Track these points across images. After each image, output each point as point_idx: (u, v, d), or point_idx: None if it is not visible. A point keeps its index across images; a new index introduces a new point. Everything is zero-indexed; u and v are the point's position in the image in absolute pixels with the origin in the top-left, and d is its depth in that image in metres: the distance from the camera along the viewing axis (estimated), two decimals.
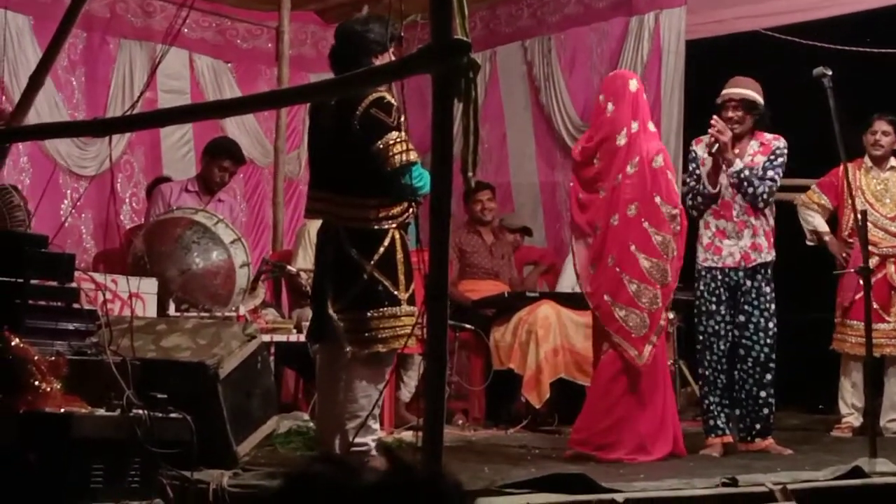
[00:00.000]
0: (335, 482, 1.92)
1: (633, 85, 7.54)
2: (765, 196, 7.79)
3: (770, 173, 7.80)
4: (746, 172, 7.75)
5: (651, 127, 7.56)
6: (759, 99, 7.88)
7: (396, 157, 6.20)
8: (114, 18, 10.67)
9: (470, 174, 5.53)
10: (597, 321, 7.51)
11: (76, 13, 5.02)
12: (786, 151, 7.86)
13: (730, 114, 7.84)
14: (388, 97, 6.28)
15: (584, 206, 7.60)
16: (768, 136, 7.93)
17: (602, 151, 7.53)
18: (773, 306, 7.81)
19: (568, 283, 10.02)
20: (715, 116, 7.80)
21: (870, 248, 7.84)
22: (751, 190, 7.75)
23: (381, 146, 6.21)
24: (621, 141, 7.43)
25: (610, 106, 7.54)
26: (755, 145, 7.88)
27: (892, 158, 9.08)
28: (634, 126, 7.41)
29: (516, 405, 9.44)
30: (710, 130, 7.78)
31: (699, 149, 7.98)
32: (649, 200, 7.33)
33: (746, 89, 7.88)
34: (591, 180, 7.59)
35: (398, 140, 6.23)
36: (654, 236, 7.32)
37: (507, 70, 11.65)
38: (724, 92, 7.94)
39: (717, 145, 7.73)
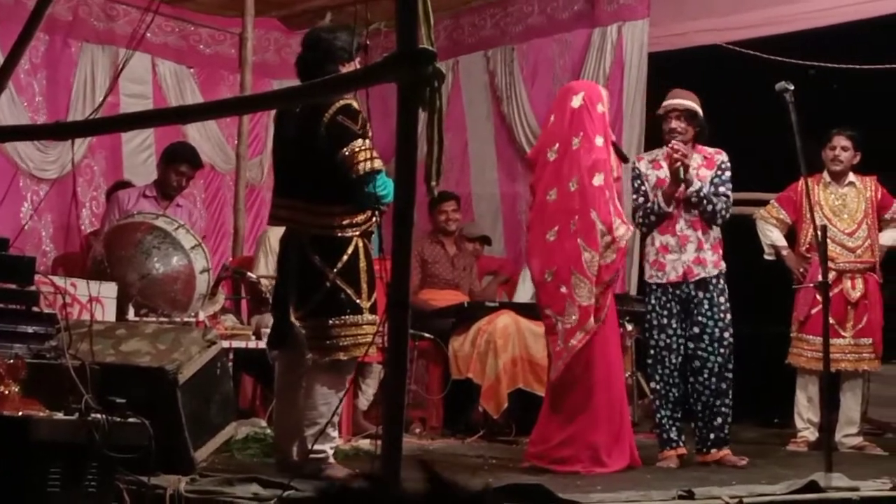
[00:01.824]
0: (377, 499, 1.92)
1: (577, 101, 7.50)
2: (723, 213, 7.83)
3: (722, 189, 7.84)
4: (705, 191, 7.78)
5: (598, 142, 7.46)
6: (700, 110, 7.92)
7: (361, 164, 6.22)
8: (76, 21, 10.63)
9: (433, 183, 5.54)
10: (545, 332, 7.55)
11: (41, 16, 5.00)
12: (729, 165, 7.90)
13: (673, 124, 7.88)
14: (355, 105, 6.31)
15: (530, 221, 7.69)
16: (709, 149, 7.96)
17: (537, 165, 7.59)
18: (728, 316, 7.82)
19: (526, 293, 10.06)
20: (675, 141, 7.82)
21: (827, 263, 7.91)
22: (710, 208, 7.78)
23: (347, 153, 6.23)
24: (551, 156, 7.46)
25: (552, 117, 7.61)
26: (698, 159, 7.91)
27: (850, 174, 9.13)
28: (575, 142, 7.41)
29: (474, 415, 9.45)
30: (673, 154, 7.77)
31: (641, 166, 8.01)
32: (586, 217, 7.32)
33: (687, 100, 7.92)
34: (531, 191, 7.66)
35: (363, 148, 6.25)
36: (584, 253, 7.30)
37: (470, 80, 11.68)
38: (665, 103, 7.99)
39: (679, 167, 7.76)
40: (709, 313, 7.80)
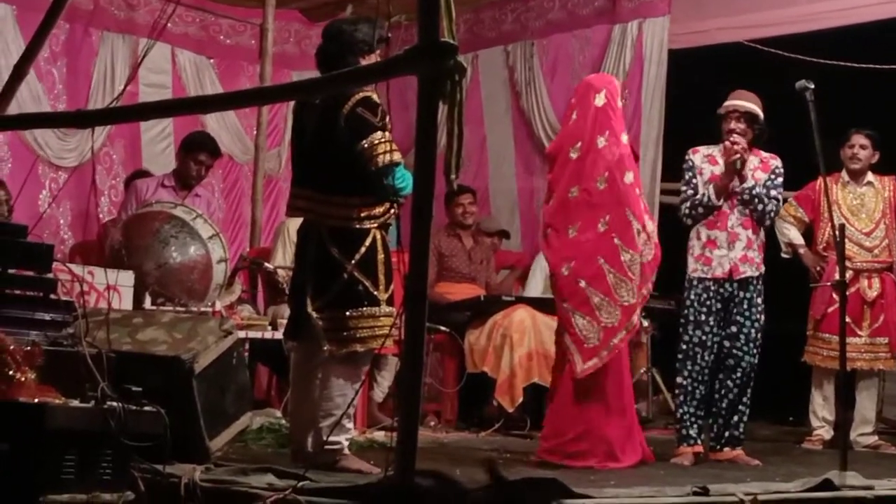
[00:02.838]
0: (444, 497, 1.93)
1: (600, 99, 7.44)
2: (772, 215, 7.88)
3: (774, 192, 7.82)
4: (758, 189, 7.76)
5: (624, 139, 7.45)
6: (761, 114, 7.89)
7: (381, 156, 6.22)
8: (97, 10, 10.64)
9: (452, 176, 5.55)
10: (558, 325, 7.54)
11: (62, 4, 5.02)
12: (783, 171, 7.88)
13: (732, 125, 7.85)
14: (374, 97, 6.31)
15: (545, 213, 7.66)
16: (764, 153, 7.92)
17: (556, 162, 7.56)
18: (762, 318, 7.83)
19: (537, 287, 10.06)
20: (736, 134, 7.80)
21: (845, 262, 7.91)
22: (760, 207, 7.77)
23: (366, 145, 6.24)
24: (573, 154, 7.44)
25: (574, 115, 7.57)
26: (755, 161, 7.88)
27: (868, 173, 9.12)
28: (601, 141, 7.37)
29: (489, 408, 9.46)
30: (733, 147, 7.75)
31: (696, 158, 7.97)
32: (621, 216, 7.30)
33: (750, 102, 7.89)
34: (548, 188, 7.65)
35: (383, 140, 6.25)
36: (623, 254, 7.27)
37: (489, 74, 11.67)
38: (727, 103, 7.93)
39: (738, 160, 7.74)
40: (747, 313, 7.79)
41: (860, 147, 9.06)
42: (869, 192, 9.11)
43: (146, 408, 5.38)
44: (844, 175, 9.12)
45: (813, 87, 7.14)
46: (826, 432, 8.95)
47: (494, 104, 11.64)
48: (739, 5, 10.38)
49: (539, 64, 11.29)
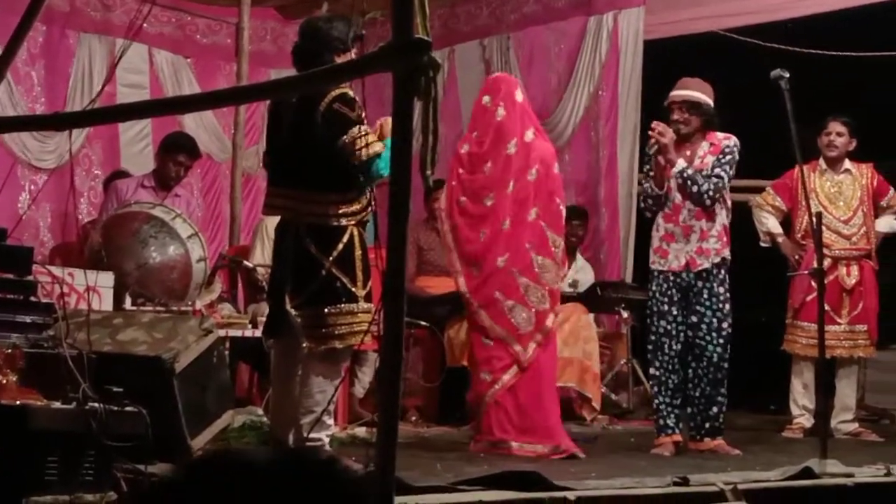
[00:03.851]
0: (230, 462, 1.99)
1: (520, 95, 7.66)
2: (710, 193, 7.80)
3: (717, 170, 7.82)
4: (689, 171, 7.78)
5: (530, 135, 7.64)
6: (705, 99, 7.89)
7: (362, 150, 6.25)
8: (74, 12, 10.64)
9: (429, 172, 5.56)
10: (474, 319, 7.62)
11: (39, 6, 5.02)
12: (736, 150, 7.87)
13: (675, 115, 7.90)
14: (351, 93, 6.34)
15: (465, 213, 7.66)
16: (720, 135, 7.95)
17: (493, 159, 7.60)
18: (726, 306, 7.85)
19: None
20: (655, 121, 7.87)
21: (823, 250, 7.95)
22: (695, 189, 7.79)
23: (347, 140, 6.27)
24: (511, 150, 7.52)
25: (500, 111, 7.61)
26: (706, 146, 7.92)
27: (846, 161, 9.15)
28: (529, 135, 7.53)
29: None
30: (650, 133, 7.86)
31: (654, 149, 8.04)
32: (550, 203, 7.51)
33: (691, 90, 7.91)
34: (479, 188, 7.66)
35: (362, 134, 6.28)
36: (550, 237, 7.47)
37: (466, 68, 11.69)
38: (670, 94, 7.99)
39: (656, 146, 7.81)
40: (707, 303, 7.82)
41: (836, 134, 9.09)
42: (846, 179, 9.14)
43: (127, 408, 5.39)
44: (822, 163, 9.15)
45: (788, 75, 7.18)
46: (806, 420, 8.99)
47: (472, 98, 11.56)
48: None
49: (515, 57, 11.31)
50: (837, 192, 9.10)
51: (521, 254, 7.45)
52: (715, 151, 7.89)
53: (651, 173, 7.94)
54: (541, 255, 7.44)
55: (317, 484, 1.99)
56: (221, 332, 7.36)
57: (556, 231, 7.53)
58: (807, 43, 9.95)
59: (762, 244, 9.28)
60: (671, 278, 7.87)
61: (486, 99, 7.70)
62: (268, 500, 1.95)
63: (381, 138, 6.35)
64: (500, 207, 7.54)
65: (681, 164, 7.79)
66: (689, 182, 7.79)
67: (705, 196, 7.81)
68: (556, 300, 7.58)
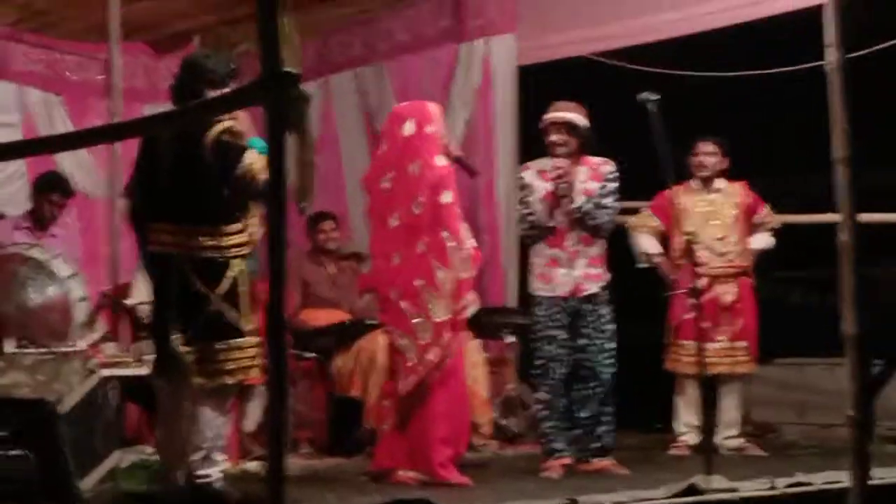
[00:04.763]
0: None
1: (408, 128, 7.53)
2: (608, 226, 7.97)
3: (607, 201, 7.93)
4: (587, 206, 7.87)
5: (440, 161, 7.52)
6: (583, 121, 8.00)
7: (262, 174, 6.19)
8: None
9: (304, 204, 5.58)
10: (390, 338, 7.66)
11: None
12: (617, 175, 8.00)
13: (553, 137, 7.96)
14: (236, 126, 6.33)
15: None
16: (596, 160, 8.05)
17: (372, 192, 7.64)
18: (612, 327, 7.94)
19: None
20: (556, 160, 7.91)
21: (699, 268, 8.06)
22: (593, 223, 7.89)
23: (244, 169, 6.23)
24: (385, 184, 7.54)
25: (384, 145, 7.66)
26: (585, 171, 7.99)
27: (718, 180, 9.28)
28: (413, 168, 7.45)
29: (360, 432, 9.46)
30: (552, 174, 7.88)
31: (528, 175, 8.09)
32: (437, 238, 7.40)
33: (568, 112, 8.00)
34: (369, 216, 7.83)
35: (255, 160, 6.24)
36: (437, 272, 7.38)
37: (341, 99, 11.71)
38: (545, 117, 8.06)
39: (563, 187, 7.85)
40: (595, 325, 7.90)
41: (706, 155, 9.21)
42: (720, 198, 9.25)
43: (12, 452, 5.33)
44: (694, 183, 9.27)
45: (656, 97, 7.28)
46: (692, 437, 9.07)
47: (348, 128, 11.67)
48: (583, 19, 10.46)
49: (390, 86, 11.34)
50: (711, 211, 9.21)
51: (410, 288, 7.41)
52: (595, 177, 7.98)
53: (529, 199, 7.98)
54: (429, 287, 7.36)
55: None
56: (107, 372, 7.29)
57: (443, 264, 7.40)
58: (677, 64, 10.07)
59: (640, 265, 9.35)
60: (558, 303, 7.92)
61: (383, 132, 7.76)
62: None
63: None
64: (385, 240, 7.56)
65: (579, 200, 7.86)
66: (587, 216, 7.87)
67: (602, 229, 7.94)
68: (440, 333, 7.43)
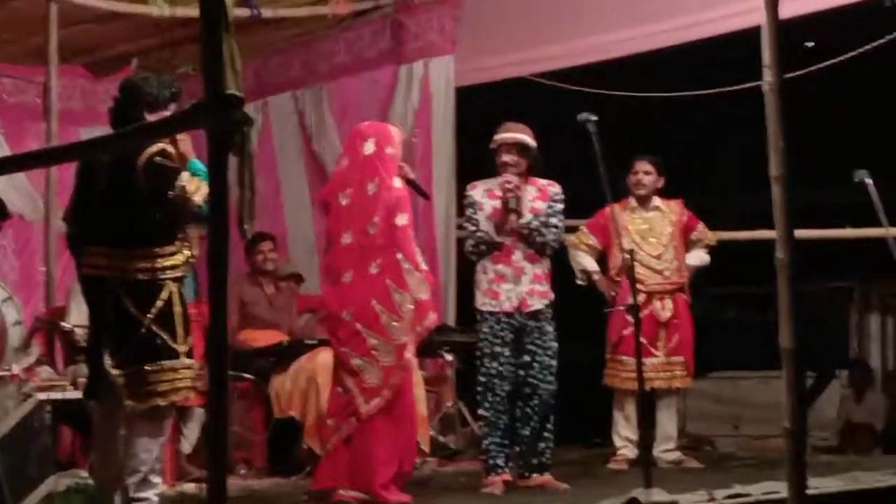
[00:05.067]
0: None
1: (369, 147, 7.53)
2: (554, 244, 8.06)
3: (554, 220, 8.02)
4: (535, 223, 7.94)
5: (396, 183, 7.55)
6: (532, 142, 8.08)
7: (197, 195, 6.18)
8: None
9: (246, 226, 5.57)
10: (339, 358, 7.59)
11: None
12: (562, 197, 8.08)
13: (504, 157, 8.02)
14: (169, 148, 6.30)
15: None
16: (542, 181, 8.13)
17: (329, 208, 7.64)
18: (555, 345, 8.01)
19: None
20: (508, 175, 7.96)
21: (637, 285, 8.11)
22: (540, 240, 7.96)
23: (178, 191, 6.21)
24: (343, 200, 7.53)
25: (344, 161, 7.67)
26: (532, 191, 8.08)
27: (655, 198, 9.35)
28: (371, 188, 7.45)
29: (299, 453, 9.44)
30: (506, 186, 7.93)
31: (476, 194, 8.14)
32: (392, 259, 7.40)
33: (519, 133, 8.08)
34: (326, 233, 7.78)
35: (188, 180, 6.22)
36: (394, 294, 7.38)
37: (280, 120, 11.70)
38: (496, 137, 8.12)
39: (512, 199, 7.91)
40: (539, 341, 7.95)
41: (644, 173, 9.29)
42: (657, 216, 9.33)
43: None
44: (632, 201, 9.34)
45: (595, 118, 7.34)
46: (630, 451, 9.11)
47: (287, 149, 11.66)
48: (520, 42, 10.54)
49: (328, 107, 11.34)
50: (648, 228, 9.28)
51: (365, 308, 7.38)
52: (543, 197, 8.06)
53: (476, 217, 8.03)
54: (386, 309, 7.34)
55: None
56: (42, 396, 7.25)
57: (399, 286, 7.38)
58: (615, 85, 10.13)
59: (579, 282, 9.41)
60: (503, 319, 7.96)
61: (344, 148, 7.78)
62: None
63: (181, 158, 6.31)
64: (337, 258, 7.55)
65: (528, 216, 7.92)
66: (534, 234, 7.94)
67: (548, 247, 8.03)
68: (401, 355, 7.40)
